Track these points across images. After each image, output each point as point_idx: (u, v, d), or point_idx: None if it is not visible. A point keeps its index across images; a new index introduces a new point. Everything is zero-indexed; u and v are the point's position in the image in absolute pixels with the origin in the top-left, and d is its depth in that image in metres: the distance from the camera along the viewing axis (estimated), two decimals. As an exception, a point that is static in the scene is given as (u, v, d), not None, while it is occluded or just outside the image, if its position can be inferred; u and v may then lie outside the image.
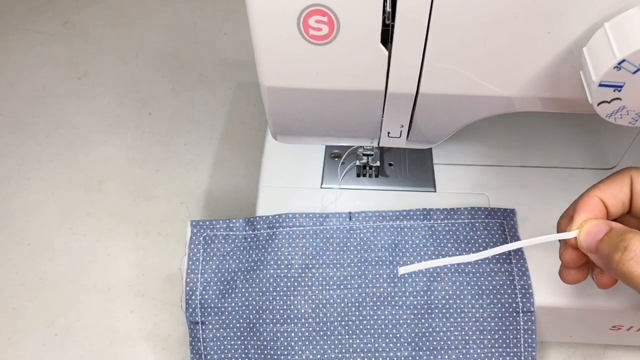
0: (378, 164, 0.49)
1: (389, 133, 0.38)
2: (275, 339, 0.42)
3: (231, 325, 0.43)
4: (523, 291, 0.42)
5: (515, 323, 0.42)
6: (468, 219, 0.45)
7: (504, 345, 0.42)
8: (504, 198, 0.47)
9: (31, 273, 0.54)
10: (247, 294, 0.43)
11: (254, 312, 0.42)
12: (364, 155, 0.48)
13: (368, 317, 0.42)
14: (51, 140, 0.65)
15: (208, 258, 0.44)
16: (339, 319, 0.42)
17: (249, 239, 0.45)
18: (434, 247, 0.43)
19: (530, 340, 0.42)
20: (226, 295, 0.43)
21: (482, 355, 0.41)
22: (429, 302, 0.42)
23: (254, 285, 0.43)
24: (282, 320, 0.42)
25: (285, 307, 0.42)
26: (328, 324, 0.42)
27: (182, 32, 0.76)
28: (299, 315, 0.42)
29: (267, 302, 0.42)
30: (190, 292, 0.43)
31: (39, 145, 0.64)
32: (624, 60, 0.26)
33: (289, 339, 0.42)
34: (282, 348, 0.42)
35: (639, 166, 0.34)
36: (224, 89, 0.70)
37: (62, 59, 0.73)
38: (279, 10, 0.29)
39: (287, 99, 0.34)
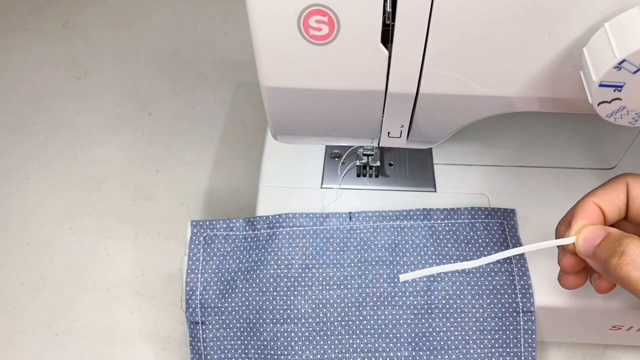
0: (378, 164, 0.49)
1: (389, 133, 0.38)
2: (275, 339, 0.42)
3: (231, 325, 0.43)
4: (523, 291, 0.42)
5: (515, 323, 0.42)
6: (468, 219, 0.45)
7: (504, 345, 0.42)
8: (504, 198, 0.47)
9: (31, 273, 0.54)
10: (247, 294, 0.43)
11: (254, 312, 0.42)
12: (364, 155, 0.48)
13: (368, 317, 0.42)
14: (51, 140, 0.65)
15: (208, 258, 0.44)
16: (339, 319, 0.42)
17: (249, 239, 0.45)
18: (434, 247, 0.43)
19: (530, 340, 0.42)
20: (226, 295, 0.43)
21: (482, 355, 0.41)
22: (429, 302, 0.42)
23: (254, 285, 0.43)
24: (282, 320, 0.42)
25: (285, 307, 0.42)
26: (328, 324, 0.42)
27: (182, 32, 0.76)
28: (299, 315, 0.42)
29: (267, 302, 0.42)
30: (190, 292, 0.43)
31: (39, 145, 0.64)
32: (624, 60, 0.26)
33: (289, 339, 0.42)
34: (282, 348, 0.42)
35: (635, 172, 0.34)
36: (224, 89, 0.70)
37: (62, 59, 0.73)
38: (279, 10, 0.29)
39: (287, 99, 0.34)
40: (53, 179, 0.61)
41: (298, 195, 0.47)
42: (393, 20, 0.29)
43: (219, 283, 0.43)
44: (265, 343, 0.42)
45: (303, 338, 0.42)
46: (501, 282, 0.42)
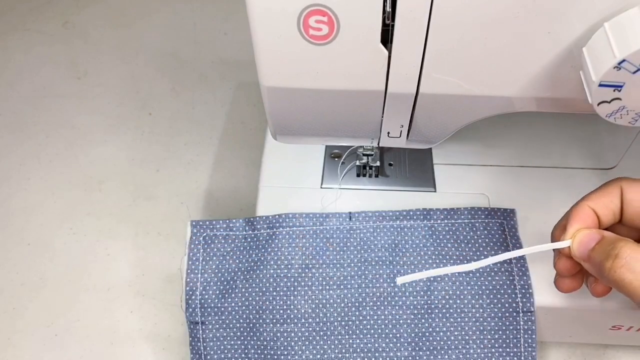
0: (378, 164, 0.49)
1: (389, 133, 0.38)
2: (275, 339, 0.42)
3: (231, 325, 0.43)
4: (523, 291, 0.42)
5: (515, 323, 0.42)
6: (468, 219, 0.45)
7: (504, 345, 0.42)
8: (504, 198, 0.47)
9: (31, 273, 0.54)
10: (247, 294, 0.43)
11: (254, 312, 0.42)
12: (364, 155, 0.48)
13: (368, 317, 0.42)
14: (51, 140, 0.65)
15: (208, 258, 0.44)
16: (339, 319, 0.42)
17: (249, 239, 0.45)
18: (434, 247, 0.43)
19: (530, 340, 0.42)
20: (226, 295, 0.43)
21: (482, 355, 0.41)
22: (429, 302, 0.42)
23: (254, 285, 0.43)
24: (282, 320, 0.42)
25: (285, 307, 0.42)
26: (328, 324, 0.42)
27: (182, 32, 0.76)
28: (299, 315, 0.42)
29: (267, 302, 0.42)
30: (190, 292, 0.43)
31: (39, 145, 0.64)
32: (624, 60, 0.26)
33: (289, 339, 0.42)
34: (282, 348, 0.42)
35: (635, 172, 0.34)
36: (224, 89, 0.70)
37: (62, 59, 0.73)
38: (279, 10, 0.29)
39: (287, 99, 0.34)
40: (53, 179, 0.61)
41: (298, 195, 0.47)
42: (393, 20, 0.29)
43: (218, 283, 0.43)
44: (265, 343, 0.42)
45: (303, 338, 0.42)
46: (501, 282, 0.42)
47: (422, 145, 0.40)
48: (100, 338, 0.50)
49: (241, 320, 0.43)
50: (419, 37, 0.29)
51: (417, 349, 0.41)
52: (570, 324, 0.44)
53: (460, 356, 0.41)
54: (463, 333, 0.42)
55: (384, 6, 0.28)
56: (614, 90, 0.28)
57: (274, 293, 0.42)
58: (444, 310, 0.42)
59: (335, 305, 0.42)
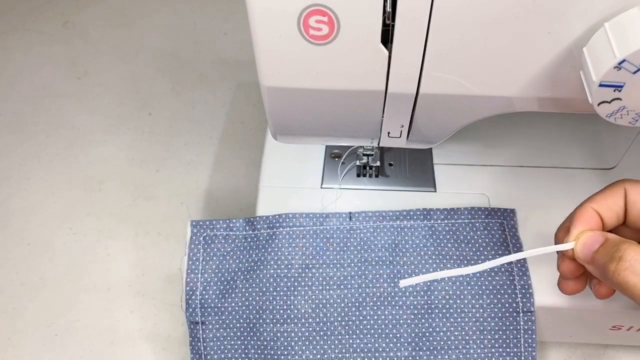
0: (378, 164, 0.49)
1: (389, 133, 0.38)
2: (275, 339, 0.42)
3: (231, 325, 0.43)
4: (523, 291, 0.42)
5: (515, 323, 0.42)
6: (468, 219, 0.45)
7: (504, 345, 0.42)
8: (504, 198, 0.47)
9: (31, 273, 0.54)
10: (247, 294, 0.43)
11: (254, 312, 0.42)
12: (364, 155, 0.48)
13: (368, 317, 0.42)
14: (51, 140, 0.65)
15: (208, 258, 0.44)
16: (339, 319, 0.42)
17: (249, 239, 0.45)
18: (434, 247, 0.43)
19: (530, 340, 0.42)
20: (226, 295, 0.43)
21: (482, 355, 0.41)
22: (429, 302, 0.42)
23: (254, 285, 0.43)
24: (282, 320, 0.42)
25: (285, 307, 0.42)
26: (328, 324, 0.42)
27: (182, 32, 0.76)
28: (299, 315, 0.42)
29: (267, 302, 0.42)
30: (190, 292, 0.43)
31: (39, 145, 0.64)
32: (624, 60, 0.26)
33: (289, 339, 0.42)
34: (282, 348, 0.42)
35: (635, 172, 0.34)
36: (224, 89, 0.70)
37: (62, 59, 0.73)
38: (279, 10, 0.29)
39: (287, 99, 0.34)
40: (53, 179, 0.61)
41: (298, 195, 0.47)
42: (393, 20, 0.29)
43: (219, 283, 0.43)
44: (265, 343, 0.42)
45: (303, 338, 0.42)
46: (501, 282, 0.42)
47: (422, 145, 0.40)
48: (100, 338, 0.50)
49: (241, 320, 0.43)
50: (419, 37, 0.29)
51: (417, 349, 0.41)
52: (570, 324, 0.44)
53: (461, 356, 0.41)
54: (463, 333, 0.42)
55: (384, 6, 0.28)
56: (614, 90, 0.28)
57: (274, 293, 0.42)
58: (444, 311, 0.42)
59: (335, 305, 0.42)
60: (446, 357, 0.41)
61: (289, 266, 0.43)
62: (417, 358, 0.41)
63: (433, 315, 0.42)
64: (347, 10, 0.29)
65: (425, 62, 0.31)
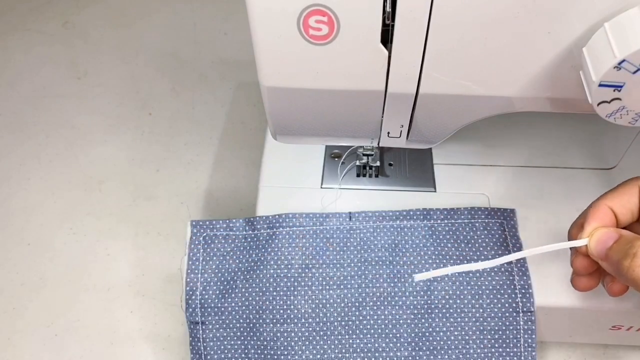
0: (378, 164, 0.49)
1: (389, 133, 0.38)
2: (275, 339, 0.42)
3: (231, 325, 0.43)
4: (523, 291, 0.42)
5: (515, 323, 0.42)
6: (468, 219, 0.45)
7: (504, 345, 0.42)
8: (504, 198, 0.47)
9: (31, 273, 0.54)
10: (247, 294, 0.43)
11: (254, 312, 0.42)
12: (364, 155, 0.48)
13: (368, 317, 0.42)
14: (51, 140, 0.65)
15: (208, 258, 0.44)
16: (339, 319, 0.42)
17: (249, 239, 0.45)
18: (433, 247, 0.43)
19: (530, 340, 0.42)
20: (226, 295, 0.43)
21: (482, 355, 0.41)
22: (429, 302, 0.42)
23: (254, 285, 0.43)
24: (282, 320, 0.42)
25: (285, 307, 0.42)
26: (328, 324, 0.42)
27: (182, 32, 0.76)
28: (299, 315, 0.42)
29: (267, 302, 0.42)
30: (190, 292, 0.43)
31: (39, 145, 0.64)
32: (624, 60, 0.26)
33: (289, 339, 0.42)
34: (282, 348, 0.42)
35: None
36: (224, 89, 0.70)
37: (62, 59, 0.73)
38: (279, 10, 0.29)
39: (287, 99, 0.34)
40: (53, 179, 0.61)
41: (298, 195, 0.47)
42: (393, 20, 0.29)
43: (218, 283, 0.43)
44: (265, 343, 0.42)
45: (303, 338, 0.42)
46: (501, 282, 0.42)
47: (422, 145, 0.40)
48: (100, 338, 0.50)
49: (241, 320, 0.43)
50: (419, 37, 0.29)
51: (417, 349, 0.41)
52: (570, 324, 0.44)
53: (460, 356, 0.41)
54: (463, 333, 0.42)
55: (384, 6, 0.28)
56: (614, 90, 0.28)
57: (274, 293, 0.42)
58: (444, 310, 0.42)
59: (335, 305, 0.42)
60: (446, 357, 0.41)
61: (289, 266, 0.43)
62: (417, 358, 0.41)
63: (433, 315, 0.42)
64: (347, 10, 0.29)
65: (425, 62, 0.31)
